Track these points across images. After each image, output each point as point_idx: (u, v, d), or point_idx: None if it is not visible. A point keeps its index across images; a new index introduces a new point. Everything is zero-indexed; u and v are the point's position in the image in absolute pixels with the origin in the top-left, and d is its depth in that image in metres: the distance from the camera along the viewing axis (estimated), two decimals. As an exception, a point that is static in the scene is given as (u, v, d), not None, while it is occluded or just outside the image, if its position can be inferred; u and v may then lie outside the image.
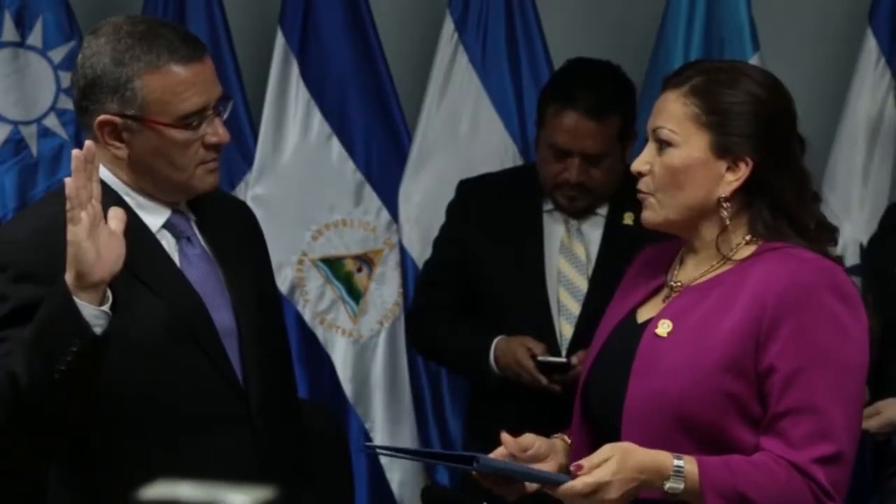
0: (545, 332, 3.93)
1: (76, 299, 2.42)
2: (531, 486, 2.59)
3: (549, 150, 3.94)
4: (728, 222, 2.59)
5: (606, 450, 2.51)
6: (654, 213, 2.63)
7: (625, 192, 3.92)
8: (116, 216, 2.49)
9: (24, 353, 2.46)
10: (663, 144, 2.60)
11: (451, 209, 4.18)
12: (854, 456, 2.56)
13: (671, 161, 2.59)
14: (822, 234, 2.64)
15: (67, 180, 2.43)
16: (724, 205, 2.59)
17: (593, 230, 4.01)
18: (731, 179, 2.59)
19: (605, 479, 2.46)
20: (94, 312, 2.43)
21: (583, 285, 3.96)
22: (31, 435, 2.54)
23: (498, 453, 2.62)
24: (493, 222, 4.05)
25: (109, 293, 2.46)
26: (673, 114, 2.60)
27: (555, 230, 4.02)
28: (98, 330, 2.43)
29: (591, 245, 4.00)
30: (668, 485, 2.48)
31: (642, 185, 2.63)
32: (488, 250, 4.03)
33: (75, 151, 2.45)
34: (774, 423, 2.51)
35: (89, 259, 2.42)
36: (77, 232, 2.42)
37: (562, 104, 3.92)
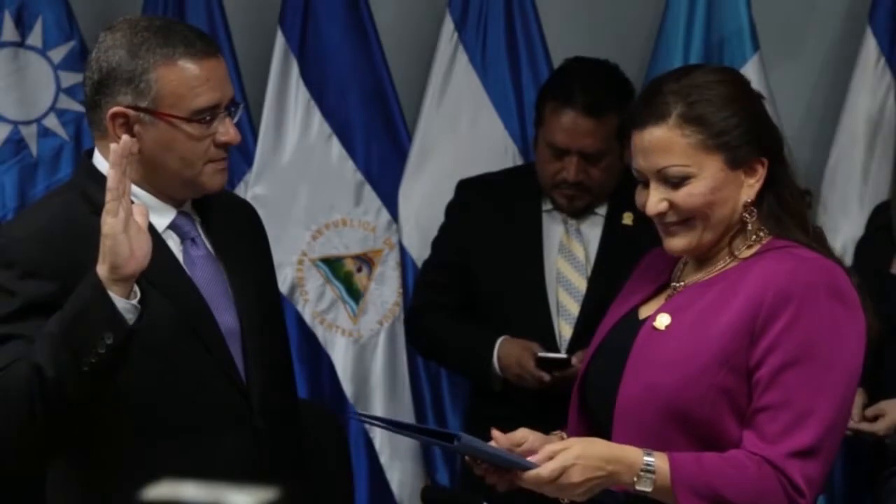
0: (544, 333, 3.93)
1: (109, 292, 2.43)
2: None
3: (548, 148, 3.95)
4: (750, 227, 2.60)
5: (571, 440, 2.54)
6: (689, 241, 2.61)
7: (624, 192, 3.92)
8: (140, 212, 2.50)
9: (49, 346, 2.46)
10: (676, 179, 2.57)
11: (451, 209, 4.18)
12: (833, 454, 2.55)
13: (695, 192, 2.57)
14: (803, 199, 2.64)
15: (109, 172, 2.44)
16: (751, 210, 2.60)
17: (592, 230, 4.01)
18: (752, 182, 2.59)
19: (568, 462, 2.46)
20: (125, 306, 2.45)
21: (582, 286, 3.96)
22: (47, 431, 2.53)
23: None
24: (492, 222, 4.06)
25: (136, 288, 2.48)
26: (675, 148, 2.56)
27: (554, 230, 4.02)
28: (129, 323, 2.45)
29: (590, 245, 4.00)
30: (637, 485, 2.49)
31: (669, 219, 2.59)
32: (487, 250, 4.04)
33: (113, 145, 2.46)
34: (753, 418, 2.52)
35: (124, 252, 2.44)
36: (115, 224, 2.43)
37: (560, 103, 3.92)
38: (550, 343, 3.91)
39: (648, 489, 2.49)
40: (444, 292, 4.10)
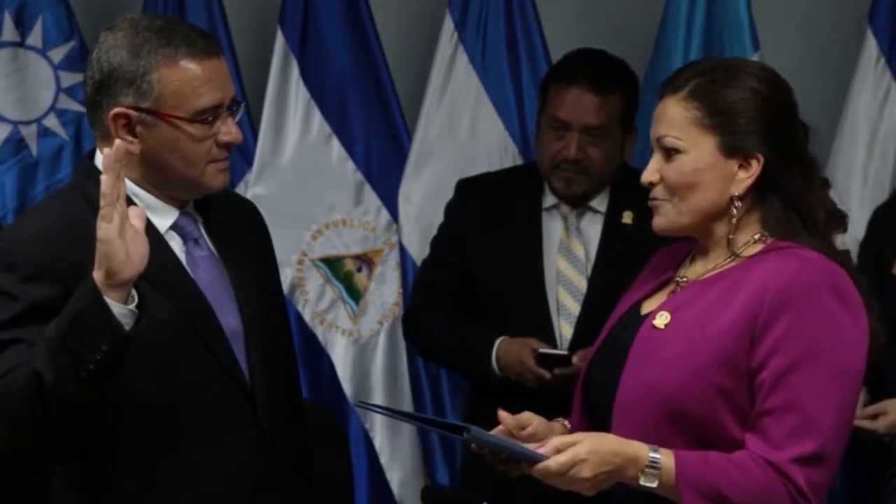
0: (544, 332, 3.92)
1: (105, 298, 2.42)
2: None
3: (550, 125, 3.94)
4: (735, 220, 2.60)
5: (580, 434, 2.53)
6: (668, 219, 2.62)
7: (624, 191, 3.93)
8: (137, 215, 2.48)
9: (47, 352, 2.45)
10: (670, 152, 2.60)
11: (451, 209, 4.18)
12: (839, 459, 2.54)
13: (681, 168, 2.59)
14: (831, 223, 2.63)
15: (103, 178, 2.43)
16: (736, 203, 2.59)
17: (592, 228, 4.00)
18: (744, 177, 2.59)
19: (579, 457, 2.46)
20: (122, 311, 2.44)
21: (582, 285, 3.96)
22: (47, 435, 2.52)
23: (496, 431, 2.61)
24: (491, 221, 4.05)
25: (134, 292, 2.47)
26: (675, 120, 2.59)
27: (554, 229, 4.02)
28: (126, 328, 2.44)
29: (590, 244, 3.99)
30: (641, 480, 2.49)
31: (656, 193, 2.62)
32: (487, 250, 4.03)
33: (106, 150, 2.45)
34: (758, 421, 2.51)
35: (120, 257, 2.42)
36: (109, 230, 2.42)
37: (566, 82, 3.93)
38: (551, 343, 3.91)
39: (652, 485, 2.49)
40: (443, 292, 4.09)
